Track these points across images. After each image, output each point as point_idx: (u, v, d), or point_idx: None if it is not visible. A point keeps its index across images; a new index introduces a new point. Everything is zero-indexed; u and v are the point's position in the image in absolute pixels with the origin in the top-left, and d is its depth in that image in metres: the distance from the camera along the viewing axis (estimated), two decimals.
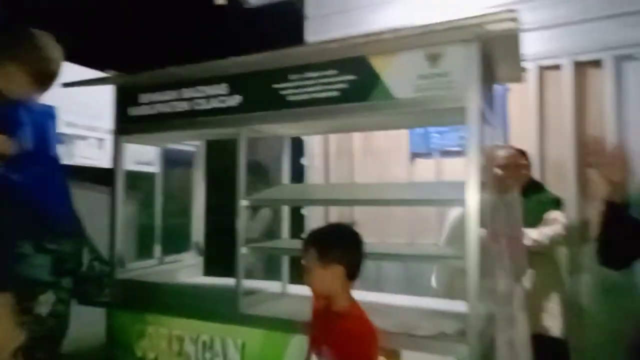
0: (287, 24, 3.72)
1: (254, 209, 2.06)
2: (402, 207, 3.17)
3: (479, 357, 1.55)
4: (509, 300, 2.19)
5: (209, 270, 2.83)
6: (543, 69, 2.95)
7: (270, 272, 2.43)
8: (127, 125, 2.25)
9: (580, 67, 2.87)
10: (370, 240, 1.68)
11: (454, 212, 2.37)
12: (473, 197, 1.55)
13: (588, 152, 1.42)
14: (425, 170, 3.25)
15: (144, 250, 2.65)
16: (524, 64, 2.83)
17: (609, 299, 2.46)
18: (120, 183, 2.28)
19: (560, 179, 2.80)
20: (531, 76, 2.93)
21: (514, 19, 1.49)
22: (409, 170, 3.29)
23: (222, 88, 2.01)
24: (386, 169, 3.31)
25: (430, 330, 1.66)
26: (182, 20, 4.09)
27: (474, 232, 1.54)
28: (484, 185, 1.65)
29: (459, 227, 2.25)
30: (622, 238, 1.36)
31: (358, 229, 1.60)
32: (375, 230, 3.20)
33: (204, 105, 2.05)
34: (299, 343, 1.73)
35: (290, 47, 1.88)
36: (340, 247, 1.52)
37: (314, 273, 1.51)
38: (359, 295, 1.60)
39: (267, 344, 1.88)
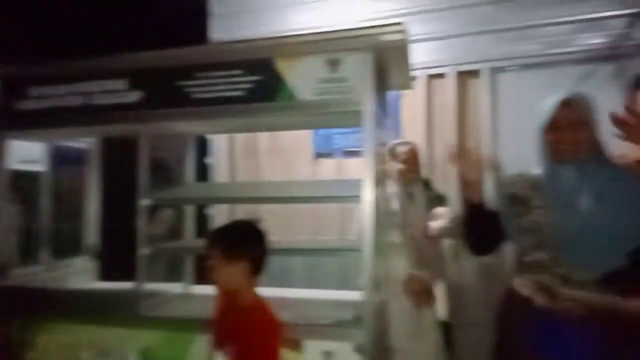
0: (192, 20, 3.65)
1: (155, 208, 2.02)
2: (307, 205, 3.28)
3: (374, 341, 1.69)
4: None
5: (105, 275, 2.69)
6: (430, 77, 3.24)
7: (174, 273, 2.39)
8: (12, 120, 2.07)
9: (462, 77, 3.21)
10: (277, 237, 1.74)
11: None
12: (368, 194, 1.68)
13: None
14: (329, 169, 3.40)
15: (30, 256, 2.44)
16: (413, 73, 3.11)
17: (485, 280, 2.78)
18: (2, 183, 2.09)
19: (445, 177, 3.10)
20: (420, 83, 3.21)
21: (402, 31, 1.65)
22: (313, 170, 3.41)
23: (122, 83, 1.94)
24: (292, 168, 3.39)
25: (330, 319, 1.78)
26: (80, 12, 3.80)
27: (368, 225, 1.67)
28: (383, 181, 1.79)
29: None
30: (484, 231, 1.56)
31: (262, 225, 1.66)
32: (281, 228, 3.28)
33: (102, 100, 1.96)
34: (202, 343, 1.74)
35: (195, 45, 1.87)
36: (246, 242, 1.57)
37: (220, 269, 1.53)
38: (266, 291, 1.66)
39: (169, 346, 1.86)
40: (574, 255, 1.41)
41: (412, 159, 2.50)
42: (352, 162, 3.27)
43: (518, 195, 1.53)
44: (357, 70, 1.67)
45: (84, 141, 2.63)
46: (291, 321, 1.70)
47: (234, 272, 1.53)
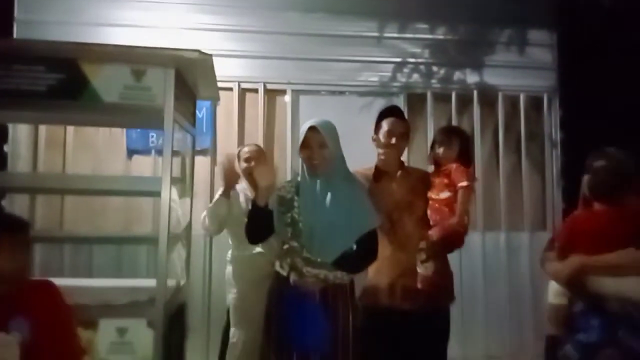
0: None
1: None
2: (118, 199, 3.34)
3: (166, 318, 1.94)
4: None
5: None
6: (244, 90, 3.64)
7: None
8: None
9: (271, 93, 3.69)
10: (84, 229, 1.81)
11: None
12: (165, 190, 1.94)
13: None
14: (143, 167, 3.50)
15: None
16: (228, 85, 3.47)
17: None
18: None
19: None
20: (235, 95, 3.58)
21: (202, 57, 1.96)
22: (126, 167, 3.47)
23: None
24: (102, 163, 3.39)
25: (126, 300, 1.98)
26: None
27: (164, 218, 1.93)
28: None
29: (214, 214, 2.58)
30: (261, 226, 1.95)
31: None
32: (88, 220, 3.29)
33: None
34: None
35: None
36: (27, 231, 1.69)
37: (9, 256, 1.60)
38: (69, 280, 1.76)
39: None
40: (318, 243, 1.88)
41: (256, 159, 2.73)
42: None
43: (284, 198, 1.97)
44: (160, 82, 1.91)
45: None
46: (88, 303, 1.86)
47: (23, 258, 1.63)
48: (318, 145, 1.89)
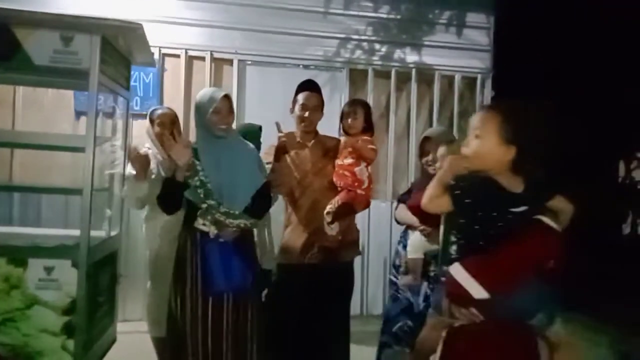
0: None
1: None
2: (68, 155, 3.48)
3: (90, 261, 2.17)
4: None
5: None
6: (192, 57, 3.80)
7: None
8: None
9: (218, 62, 3.86)
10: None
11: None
12: (90, 147, 2.15)
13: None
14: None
15: None
16: (177, 51, 3.62)
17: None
18: None
19: None
20: (182, 62, 3.74)
21: (129, 25, 2.14)
22: (74, 127, 3.62)
23: None
24: (50, 123, 3.54)
25: (54, 243, 2.21)
26: None
27: (88, 173, 2.15)
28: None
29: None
30: (175, 198, 2.11)
31: None
32: (36, 174, 3.48)
33: None
34: None
35: None
36: None
37: None
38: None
39: None
40: (227, 198, 2.12)
41: (168, 122, 2.73)
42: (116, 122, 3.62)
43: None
44: (87, 47, 2.09)
45: None
46: (19, 245, 2.10)
47: None
48: (228, 111, 2.12)
